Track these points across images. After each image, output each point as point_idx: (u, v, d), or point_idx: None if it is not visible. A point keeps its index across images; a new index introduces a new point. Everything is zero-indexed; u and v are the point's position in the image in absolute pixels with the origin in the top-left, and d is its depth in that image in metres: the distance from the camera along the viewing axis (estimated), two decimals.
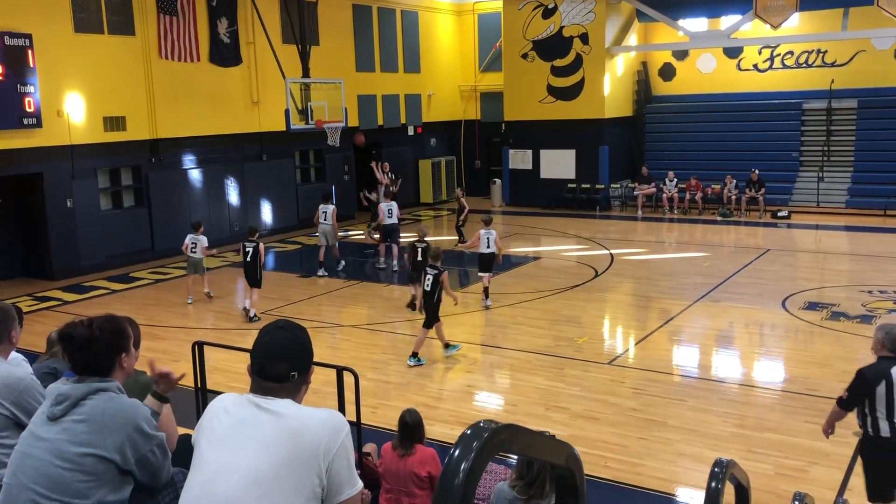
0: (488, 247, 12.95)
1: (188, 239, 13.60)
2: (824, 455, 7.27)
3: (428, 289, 10.19)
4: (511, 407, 8.81)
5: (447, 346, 10.45)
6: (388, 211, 15.62)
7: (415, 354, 10.19)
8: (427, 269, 10.33)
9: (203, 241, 13.52)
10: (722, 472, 2.61)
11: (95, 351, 2.74)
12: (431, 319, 10.26)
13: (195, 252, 13.49)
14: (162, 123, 17.71)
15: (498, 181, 25.20)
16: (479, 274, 13.20)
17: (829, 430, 6.10)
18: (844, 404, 5.79)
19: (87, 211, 16.34)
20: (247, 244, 12.56)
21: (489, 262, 13.02)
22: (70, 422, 2.64)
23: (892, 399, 5.48)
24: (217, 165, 19.07)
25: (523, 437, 1.80)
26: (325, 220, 15.40)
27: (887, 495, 5.65)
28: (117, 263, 16.91)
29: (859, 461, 5.91)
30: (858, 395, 5.65)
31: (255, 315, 12.36)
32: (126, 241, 17.19)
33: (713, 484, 2.57)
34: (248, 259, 12.46)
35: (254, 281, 12.50)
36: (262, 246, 12.61)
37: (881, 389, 5.50)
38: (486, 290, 13.05)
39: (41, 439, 2.63)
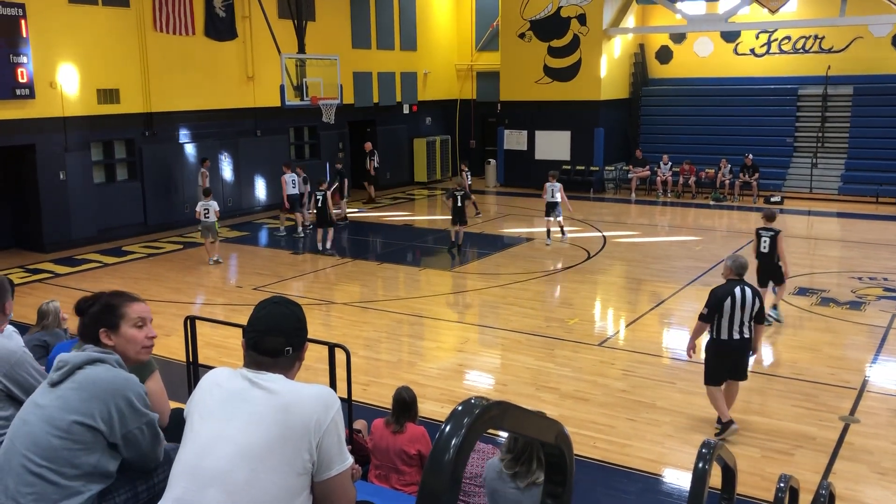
0: (553, 196, 15.71)
1: (199, 206, 14.68)
2: (810, 439, 7.36)
3: (765, 250, 10.55)
4: (501, 387, 8.85)
5: (774, 307, 10.80)
6: (293, 182, 17.22)
7: (774, 307, 10.74)
8: (761, 231, 10.62)
9: (214, 205, 14.62)
10: (709, 453, 2.63)
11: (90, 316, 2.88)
12: (780, 277, 10.62)
13: (208, 217, 14.52)
14: (156, 97, 17.59)
15: (492, 161, 25.15)
16: (545, 218, 16.05)
17: (692, 347, 7.53)
18: (705, 318, 7.27)
19: (79, 184, 16.26)
20: (317, 193, 15.29)
21: (551, 209, 15.85)
22: (66, 389, 2.66)
23: (734, 311, 7.15)
24: (211, 140, 18.97)
25: (513, 415, 1.81)
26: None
27: (716, 381, 7.35)
28: (110, 237, 16.86)
29: None
30: (714, 308, 7.18)
31: (329, 248, 15.28)
32: (119, 215, 17.13)
33: (700, 465, 2.59)
34: (320, 205, 15.23)
35: (325, 223, 15.26)
36: (329, 193, 15.49)
37: (727, 304, 7.14)
38: (561, 228, 16.16)
39: (39, 406, 2.65)
